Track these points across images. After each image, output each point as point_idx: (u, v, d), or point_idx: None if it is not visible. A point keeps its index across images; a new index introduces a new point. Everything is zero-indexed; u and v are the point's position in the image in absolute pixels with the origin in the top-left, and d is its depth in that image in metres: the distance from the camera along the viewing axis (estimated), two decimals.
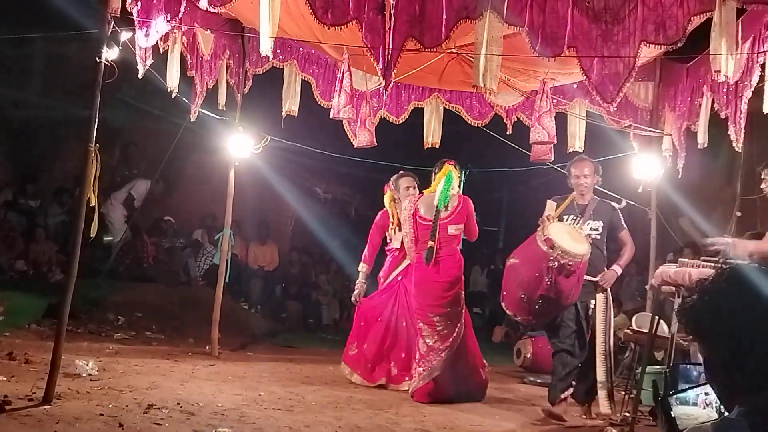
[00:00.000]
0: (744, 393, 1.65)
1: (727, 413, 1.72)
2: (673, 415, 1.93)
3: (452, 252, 6.58)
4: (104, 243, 10.59)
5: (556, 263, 5.55)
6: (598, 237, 6.05)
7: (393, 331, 6.99)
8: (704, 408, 1.96)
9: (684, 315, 1.79)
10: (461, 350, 6.60)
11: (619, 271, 6.17)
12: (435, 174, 6.80)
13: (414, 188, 7.09)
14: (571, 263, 5.58)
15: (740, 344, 1.65)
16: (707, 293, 1.74)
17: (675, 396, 1.97)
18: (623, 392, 6.66)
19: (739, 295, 1.69)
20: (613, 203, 6.23)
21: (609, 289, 6.11)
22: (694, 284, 1.82)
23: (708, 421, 1.74)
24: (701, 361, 1.88)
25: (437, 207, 6.56)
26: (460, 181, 6.81)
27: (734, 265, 1.82)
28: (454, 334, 6.50)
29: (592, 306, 6.04)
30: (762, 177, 5.41)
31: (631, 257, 6.26)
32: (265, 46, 5.34)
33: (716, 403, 1.93)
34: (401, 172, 7.30)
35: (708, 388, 1.91)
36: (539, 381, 8.09)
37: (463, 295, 6.71)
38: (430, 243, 6.45)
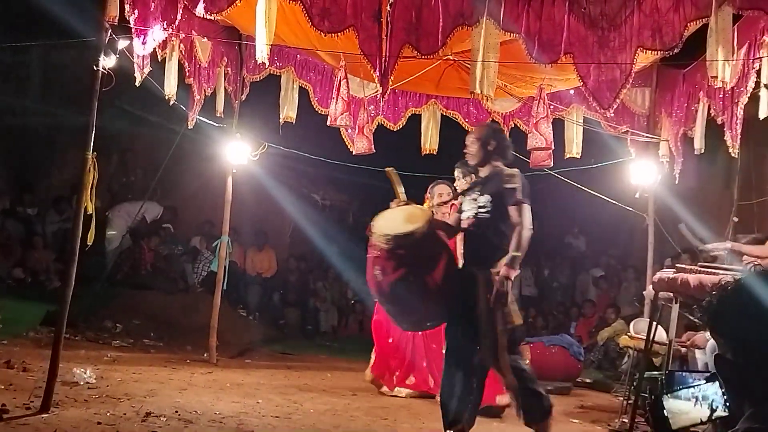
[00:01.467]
0: (755, 398, 1.65)
1: (732, 412, 1.73)
2: (666, 415, 1.93)
3: None
4: (106, 236, 10.56)
5: (375, 250, 4.72)
6: (487, 216, 4.82)
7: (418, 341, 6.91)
8: (695, 403, 1.95)
9: (705, 310, 1.79)
10: None
11: (507, 272, 4.64)
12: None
13: (448, 195, 6.74)
14: (385, 246, 4.65)
15: (757, 348, 1.65)
16: (733, 293, 1.74)
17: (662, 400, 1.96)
18: (622, 398, 6.66)
19: (763, 299, 1.69)
20: (510, 170, 4.90)
21: (489, 275, 4.68)
22: (718, 284, 1.83)
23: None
24: (699, 368, 1.88)
25: None
26: None
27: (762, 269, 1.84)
28: None
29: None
30: None
31: (522, 246, 4.68)
32: (261, 53, 5.35)
33: (709, 399, 1.93)
34: (437, 180, 7.06)
35: (702, 386, 1.92)
36: (548, 388, 8.10)
37: None
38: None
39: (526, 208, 4.75)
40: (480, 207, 4.85)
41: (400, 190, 5.32)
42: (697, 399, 1.95)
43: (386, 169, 5.51)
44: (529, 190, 4.82)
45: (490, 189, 4.86)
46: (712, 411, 1.92)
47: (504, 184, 4.80)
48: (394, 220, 4.83)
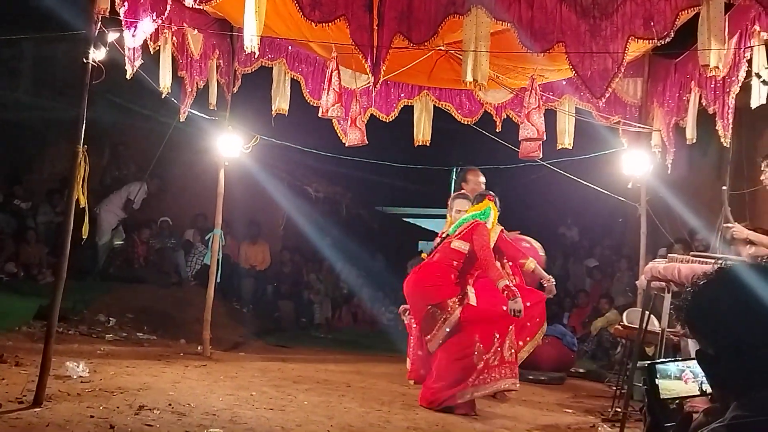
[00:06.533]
0: (740, 389, 1.66)
1: (718, 405, 1.74)
2: (662, 405, 1.92)
3: (445, 262, 6.12)
4: (96, 230, 10.52)
5: None
6: None
7: None
8: (687, 383, 1.95)
9: (681, 309, 1.81)
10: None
11: None
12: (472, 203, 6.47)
13: (466, 212, 6.49)
14: None
15: (736, 340, 1.66)
16: (706, 287, 1.75)
17: (656, 367, 1.95)
18: (615, 388, 6.67)
19: (736, 291, 1.70)
20: None
21: None
22: (691, 279, 1.84)
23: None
24: (692, 357, 1.89)
25: (449, 232, 6.29)
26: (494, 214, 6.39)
27: (732, 263, 1.84)
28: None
29: None
30: (762, 168, 5.42)
31: None
32: (251, 42, 5.31)
33: (698, 378, 1.94)
34: (461, 192, 6.85)
35: (692, 362, 1.92)
36: (541, 378, 8.14)
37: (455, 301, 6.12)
38: (423, 255, 6.40)
39: None
40: None
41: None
42: (693, 377, 1.94)
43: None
44: None
45: None
46: (703, 392, 1.93)
47: None
48: None
